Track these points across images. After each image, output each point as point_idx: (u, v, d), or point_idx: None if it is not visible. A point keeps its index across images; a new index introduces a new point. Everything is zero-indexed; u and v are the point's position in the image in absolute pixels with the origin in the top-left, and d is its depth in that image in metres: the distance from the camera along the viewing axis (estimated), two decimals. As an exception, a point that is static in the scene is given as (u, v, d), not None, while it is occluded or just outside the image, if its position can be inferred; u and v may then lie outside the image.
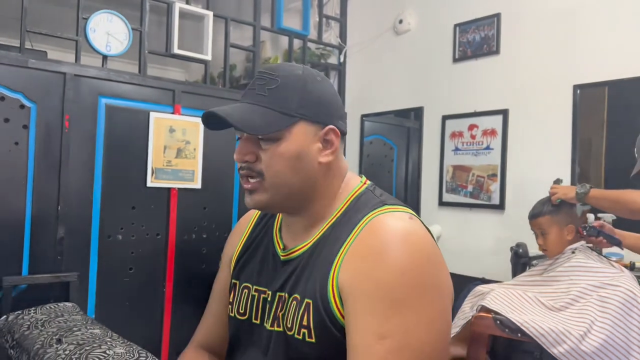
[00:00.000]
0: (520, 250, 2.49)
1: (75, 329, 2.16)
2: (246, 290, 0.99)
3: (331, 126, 0.91)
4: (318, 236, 0.92)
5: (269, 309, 0.93)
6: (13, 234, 2.50)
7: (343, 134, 0.95)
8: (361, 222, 0.87)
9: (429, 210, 3.24)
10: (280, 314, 0.90)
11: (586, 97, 2.66)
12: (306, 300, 0.87)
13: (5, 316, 2.38)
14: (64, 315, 2.36)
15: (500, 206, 2.85)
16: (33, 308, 2.40)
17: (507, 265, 2.52)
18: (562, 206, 2.17)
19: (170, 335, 2.89)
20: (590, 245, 2.22)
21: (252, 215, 1.11)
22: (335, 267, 0.85)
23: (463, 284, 2.39)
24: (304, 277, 0.90)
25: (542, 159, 2.71)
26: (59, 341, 2.02)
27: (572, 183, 2.57)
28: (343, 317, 0.82)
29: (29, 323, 2.26)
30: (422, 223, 0.90)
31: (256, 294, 0.97)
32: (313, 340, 0.85)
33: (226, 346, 1.06)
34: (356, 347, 0.80)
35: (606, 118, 2.68)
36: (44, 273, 2.56)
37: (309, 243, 0.93)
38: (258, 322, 0.95)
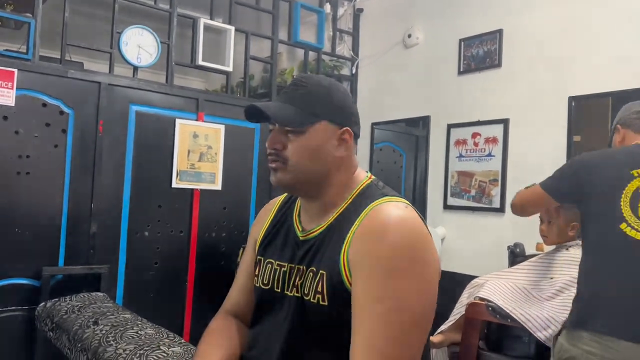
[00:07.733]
0: (518, 250, 2.67)
1: (108, 313, 2.39)
2: (269, 265, 1.20)
3: (347, 128, 1.13)
4: (331, 221, 1.13)
5: (288, 279, 1.14)
6: (51, 229, 2.73)
7: (357, 136, 1.17)
8: (366, 210, 1.07)
9: (434, 213, 3.41)
10: (299, 283, 1.11)
11: (590, 107, 2.76)
12: (321, 271, 1.07)
13: (43, 303, 2.61)
14: (97, 302, 2.59)
15: (501, 209, 3.02)
16: (68, 296, 2.64)
17: (505, 265, 2.69)
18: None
19: (191, 325, 3.09)
20: None
21: (275, 204, 1.32)
22: (346, 245, 1.05)
23: (465, 282, 2.52)
24: (319, 254, 1.10)
25: (540, 166, 2.86)
26: (96, 323, 2.24)
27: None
28: (350, 284, 1.03)
29: (66, 309, 2.49)
30: (416, 211, 1.10)
31: (278, 267, 1.18)
32: (325, 303, 1.05)
33: (249, 313, 1.27)
34: (358, 306, 1.00)
35: (610, 127, 2.79)
36: (78, 265, 2.79)
37: (323, 226, 1.13)
38: (279, 290, 1.16)
